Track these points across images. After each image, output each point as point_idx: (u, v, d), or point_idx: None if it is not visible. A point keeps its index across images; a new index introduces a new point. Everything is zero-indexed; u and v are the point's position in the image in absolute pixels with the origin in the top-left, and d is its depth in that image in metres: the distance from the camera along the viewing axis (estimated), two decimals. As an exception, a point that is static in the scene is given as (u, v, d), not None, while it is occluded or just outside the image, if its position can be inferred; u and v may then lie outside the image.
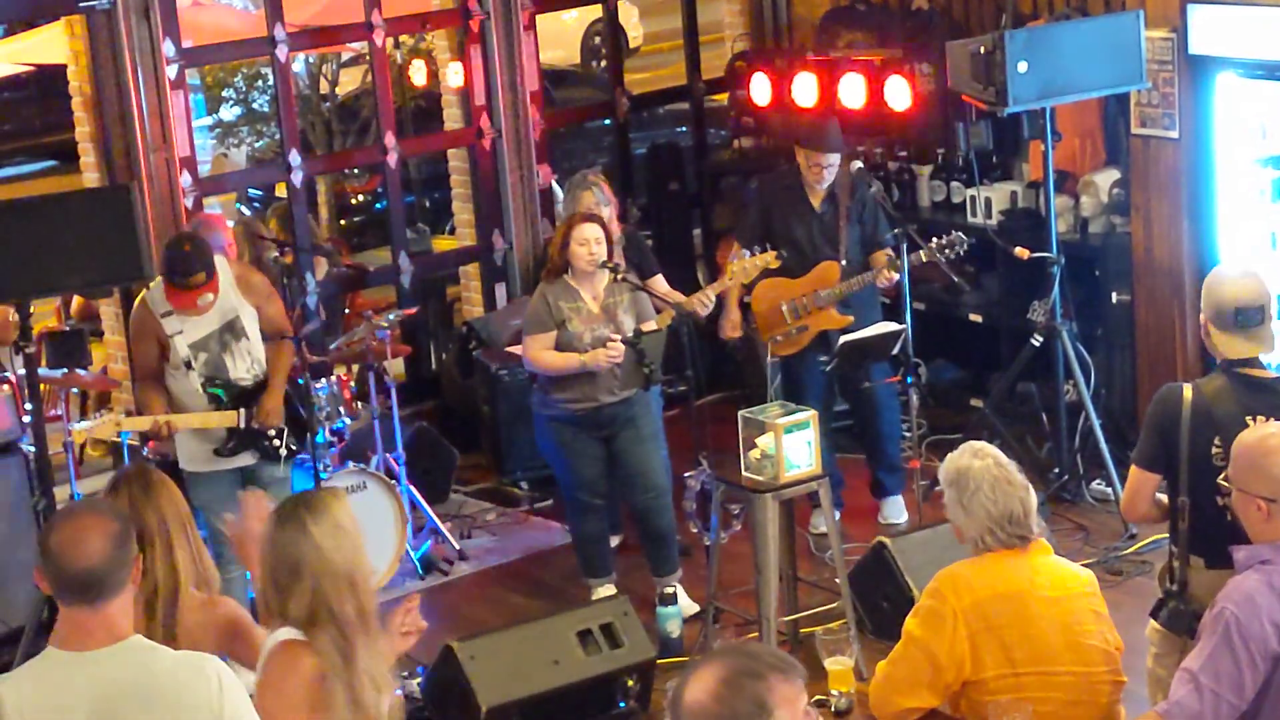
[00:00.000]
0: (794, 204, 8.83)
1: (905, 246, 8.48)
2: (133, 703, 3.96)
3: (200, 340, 7.68)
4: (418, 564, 8.97)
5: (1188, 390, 5.65)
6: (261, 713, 4.23)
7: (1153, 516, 5.83)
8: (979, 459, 5.08)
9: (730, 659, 3.30)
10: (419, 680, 7.18)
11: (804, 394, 8.64)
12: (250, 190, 14.57)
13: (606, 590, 8.16)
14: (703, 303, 8.36)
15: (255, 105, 15.82)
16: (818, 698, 5.20)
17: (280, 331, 7.90)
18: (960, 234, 8.68)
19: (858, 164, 9.26)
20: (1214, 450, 5.48)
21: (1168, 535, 5.85)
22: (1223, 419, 5.50)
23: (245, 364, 7.78)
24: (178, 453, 7.87)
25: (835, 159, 8.73)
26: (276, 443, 7.81)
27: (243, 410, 7.73)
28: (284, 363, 7.89)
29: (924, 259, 8.58)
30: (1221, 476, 4.97)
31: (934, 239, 8.65)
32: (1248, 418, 5.48)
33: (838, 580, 7.52)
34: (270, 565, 4.48)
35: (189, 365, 7.66)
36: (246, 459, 7.81)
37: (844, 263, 8.71)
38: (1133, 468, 5.79)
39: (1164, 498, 5.79)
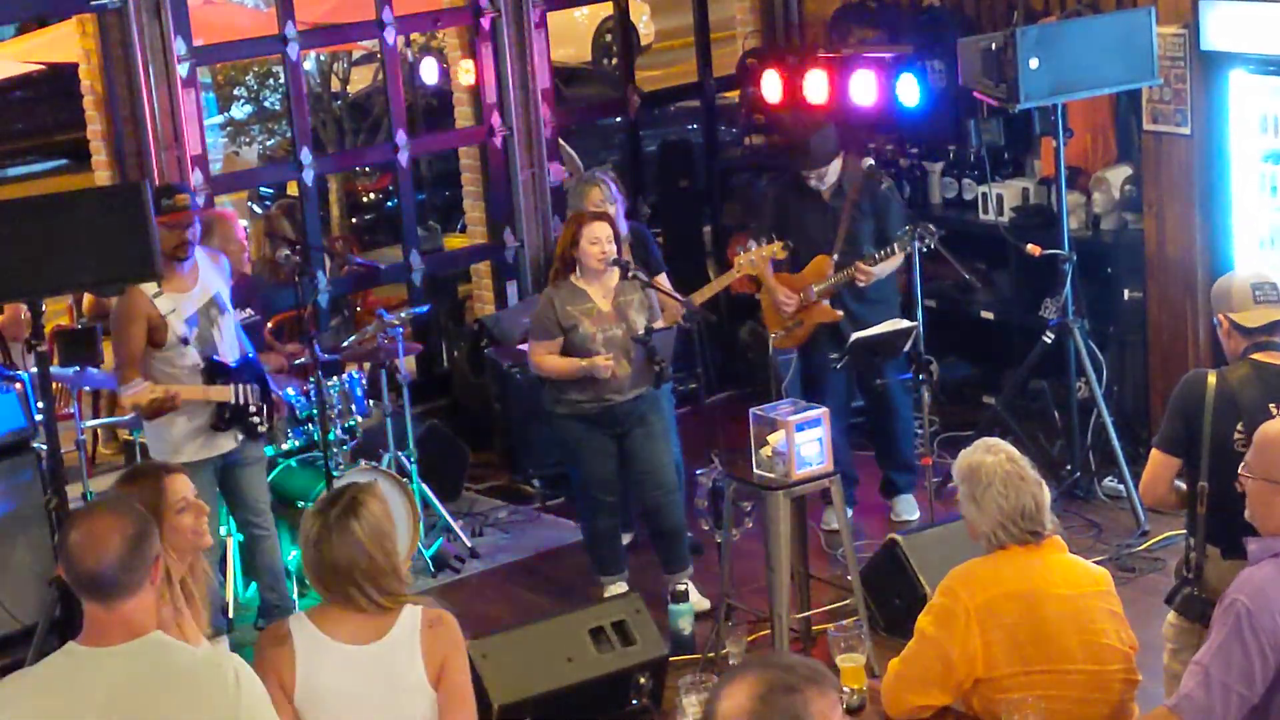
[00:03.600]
0: (805, 199, 8.86)
1: (917, 244, 8.48)
2: (149, 698, 3.97)
3: (191, 316, 7.72)
4: (430, 562, 8.98)
5: (1212, 376, 5.72)
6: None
7: (1170, 501, 5.95)
8: (991, 454, 5.08)
9: (764, 672, 3.23)
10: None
11: (822, 391, 8.68)
12: (262, 188, 14.57)
13: (618, 588, 8.16)
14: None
15: (266, 103, 15.81)
16: (830, 695, 5.18)
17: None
18: (928, 226, 8.61)
19: (869, 161, 9.27)
20: (1236, 436, 5.55)
21: (1183, 531, 5.88)
22: (1247, 406, 5.58)
23: (229, 341, 7.84)
24: (159, 444, 7.82)
25: (829, 168, 8.76)
26: (257, 419, 7.83)
27: (234, 386, 7.75)
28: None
29: (896, 251, 8.57)
30: (1243, 465, 4.96)
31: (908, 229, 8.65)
32: (1271, 405, 5.54)
33: (850, 577, 7.52)
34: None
35: (185, 341, 7.69)
36: (229, 442, 7.82)
37: (836, 257, 8.73)
38: (1153, 450, 5.86)
39: (1182, 485, 5.83)
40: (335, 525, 4.56)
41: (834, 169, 8.79)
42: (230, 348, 7.84)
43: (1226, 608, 4.72)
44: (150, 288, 7.66)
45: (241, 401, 7.78)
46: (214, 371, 7.77)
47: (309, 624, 4.62)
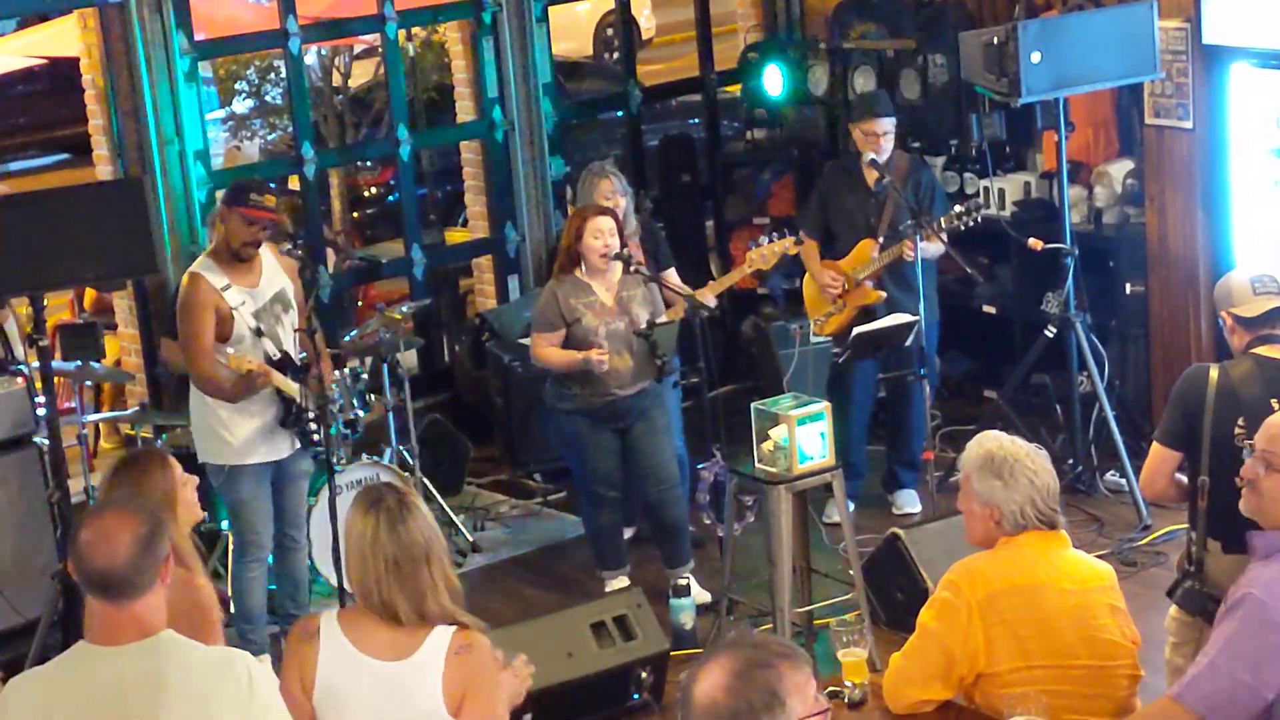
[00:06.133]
0: (850, 185, 8.88)
1: (919, 236, 8.46)
2: (162, 698, 3.96)
3: (258, 310, 7.59)
4: (431, 556, 8.96)
5: (1214, 371, 5.72)
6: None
7: (1171, 495, 5.95)
8: (1005, 440, 5.07)
9: (737, 651, 3.33)
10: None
11: (852, 380, 8.75)
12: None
13: (620, 582, 8.17)
14: (713, 295, 8.42)
15: (268, 98, 15.79)
16: (831, 689, 5.19)
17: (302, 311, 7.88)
18: (977, 200, 8.70)
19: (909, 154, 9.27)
20: (1237, 431, 5.55)
21: (1184, 525, 5.88)
22: (1248, 401, 5.58)
23: (292, 338, 7.71)
24: (221, 446, 7.66)
25: (889, 124, 8.75)
26: (314, 426, 7.66)
27: (301, 386, 7.60)
28: (322, 345, 7.83)
29: (944, 225, 8.56)
30: (1246, 449, 4.96)
31: (955, 206, 8.67)
32: (1273, 401, 5.54)
33: (851, 572, 7.52)
34: (391, 558, 4.50)
35: (259, 334, 7.55)
36: (287, 447, 7.69)
37: (881, 240, 8.73)
38: (1154, 444, 5.86)
39: (1183, 478, 5.82)
40: (390, 517, 4.51)
41: (892, 131, 8.77)
42: (294, 345, 7.69)
43: (1238, 601, 4.71)
44: (219, 280, 7.53)
45: (303, 403, 7.61)
46: (284, 366, 7.62)
47: (338, 629, 4.54)
